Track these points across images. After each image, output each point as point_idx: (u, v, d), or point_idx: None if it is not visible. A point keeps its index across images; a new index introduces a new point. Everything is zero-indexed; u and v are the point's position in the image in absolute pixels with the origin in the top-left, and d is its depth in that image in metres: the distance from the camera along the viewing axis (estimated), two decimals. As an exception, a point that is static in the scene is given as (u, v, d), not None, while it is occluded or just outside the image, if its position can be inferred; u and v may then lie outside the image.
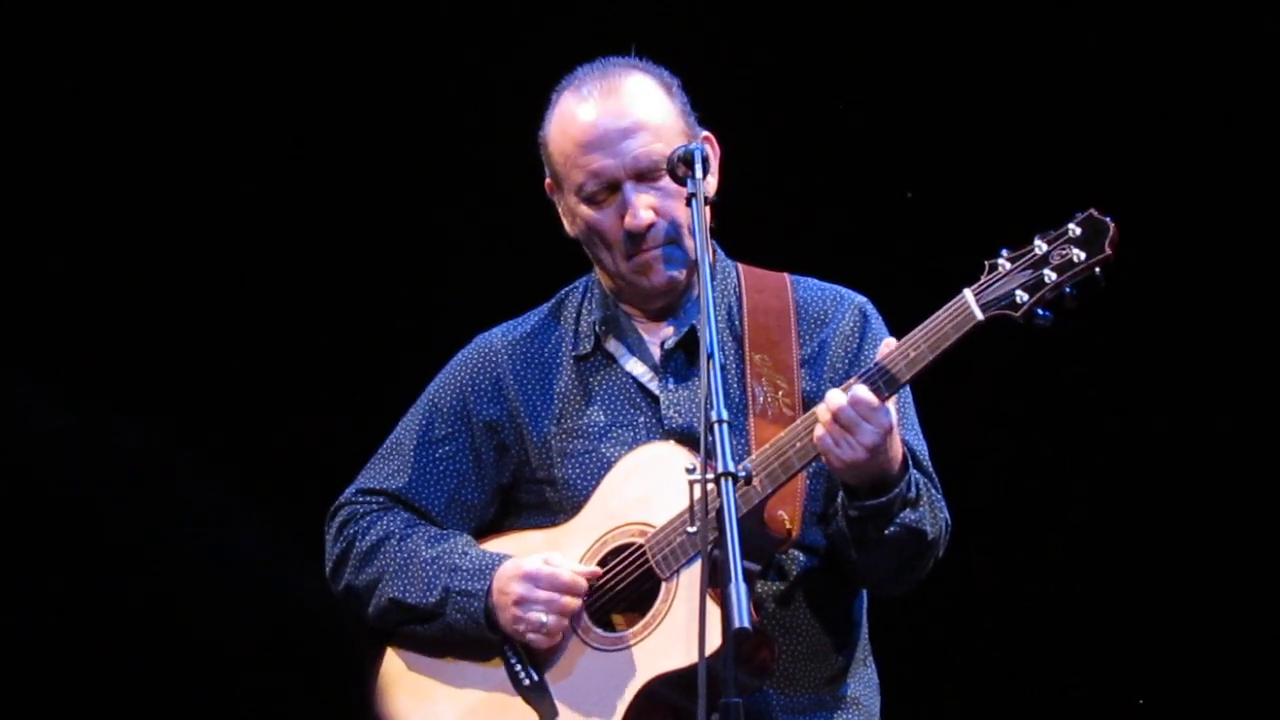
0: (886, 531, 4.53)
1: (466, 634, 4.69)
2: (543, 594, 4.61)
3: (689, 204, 4.42)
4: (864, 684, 4.77)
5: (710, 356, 4.12)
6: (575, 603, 4.60)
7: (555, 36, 6.58)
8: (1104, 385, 6.72)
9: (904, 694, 4.96)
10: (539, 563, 4.63)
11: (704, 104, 4.78)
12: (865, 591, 4.79)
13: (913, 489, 4.53)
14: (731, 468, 4.04)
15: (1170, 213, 6.51)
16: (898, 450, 4.49)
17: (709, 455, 4.08)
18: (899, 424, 4.49)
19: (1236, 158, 6.56)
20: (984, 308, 4.42)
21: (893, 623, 5.00)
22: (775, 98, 6.75)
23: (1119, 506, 6.71)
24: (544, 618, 4.60)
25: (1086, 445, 6.74)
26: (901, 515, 4.51)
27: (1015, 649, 6.78)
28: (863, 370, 4.48)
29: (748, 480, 4.17)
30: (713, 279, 4.77)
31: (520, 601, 4.62)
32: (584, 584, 4.61)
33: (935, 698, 6.70)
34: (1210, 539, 6.67)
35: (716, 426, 4.06)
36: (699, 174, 4.40)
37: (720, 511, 4.02)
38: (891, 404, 4.44)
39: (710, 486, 4.07)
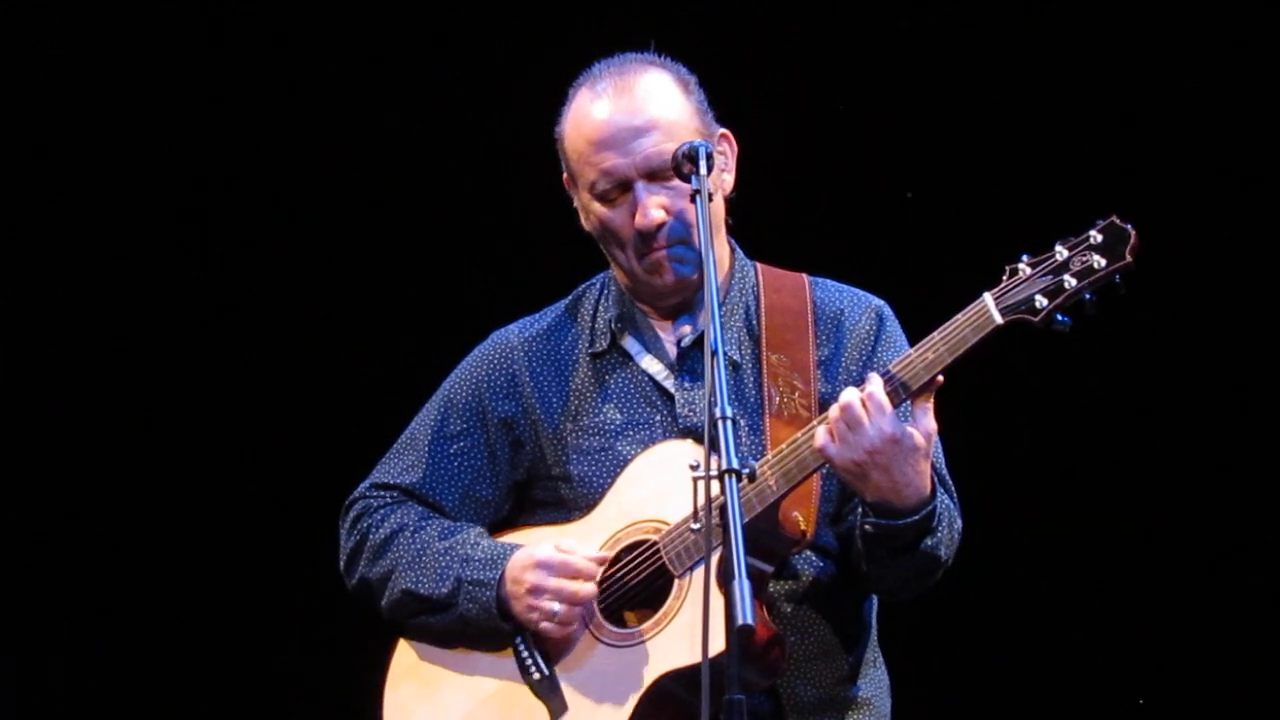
0: (899, 555, 4.52)
1: (479, 625, 4.68)
2: (555, 582, 4.60)
3: (694, 200, 4.41)
4: (875, 685, 4.77)
5: (714, 353, 4.10)
6: (588, 589, 4.59)
7: (576, 31, 6.60)
8: (1117, 389, 6.71)
9: (910, 696, 4.95)
10: (550, 550, 4.62)
11: (725, 102, 4.76)
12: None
13: (934, 518, 4.51)
14: (736, 464, 4.03)
15: (1192, 221, 6.49)
16: (923, 479, 4.46)
17: (715, 451, 4.07)
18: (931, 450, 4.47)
19: (1259, 167, 6.54)
20: (1003, 312, 4.42)
21: (900, 624, 4.99)
22: (798, 97, 6.75)
23: (1128, 509, 6.70)
24: (557, 606, 4.59)
25: (1100, 447, 6.73)
26: (917, 541, 4.51)
27: (1020, 650, 6.77)
28: (879, 371, 4.47)
29: (751, 477, 4.16)
30: (731, 278, 4.79)
31: (534, 590, 4.61)
32: (597, 569, 4.60)
33: (941, 699, 6.68)
34: (1212, 540, 6.66)
35: (721, 423, 4.05)
36: (703, 170, 4.39)
37: (725, 508, 4.02)
38: (928, 439, 4.43)
39: (716, 483, 4.05)
